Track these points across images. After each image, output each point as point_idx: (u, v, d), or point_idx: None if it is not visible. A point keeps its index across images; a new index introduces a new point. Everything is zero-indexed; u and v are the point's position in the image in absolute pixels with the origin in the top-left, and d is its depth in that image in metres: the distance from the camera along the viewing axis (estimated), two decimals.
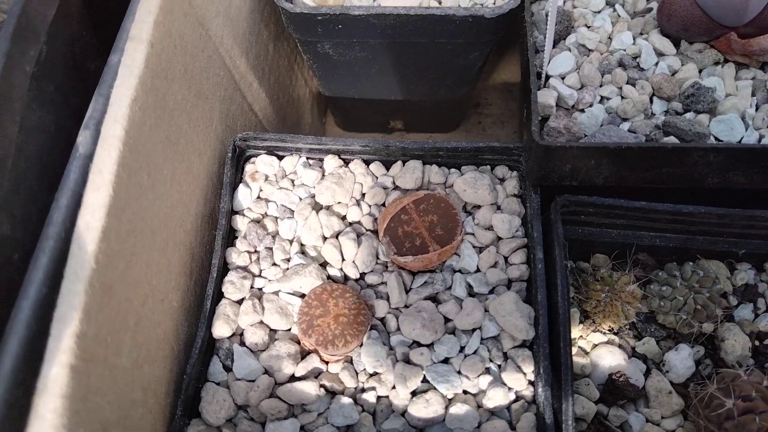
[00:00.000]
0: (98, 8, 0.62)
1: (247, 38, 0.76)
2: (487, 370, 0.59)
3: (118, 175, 0.49)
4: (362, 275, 0.65)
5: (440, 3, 0.77)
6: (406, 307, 0.63)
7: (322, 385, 0.58)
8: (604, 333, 0.66)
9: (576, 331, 0.66)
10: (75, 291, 0.44)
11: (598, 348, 0.65)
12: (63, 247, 0.48)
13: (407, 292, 0.64)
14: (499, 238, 0.67)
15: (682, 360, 0.64)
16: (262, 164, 0.70)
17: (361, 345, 0.60)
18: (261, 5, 0.80)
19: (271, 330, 0.62)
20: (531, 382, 0.58)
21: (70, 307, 0.43)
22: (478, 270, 0.65)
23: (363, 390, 0.59)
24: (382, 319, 0.63)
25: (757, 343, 0.66)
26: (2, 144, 0.42)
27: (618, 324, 0.66)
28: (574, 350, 0.65)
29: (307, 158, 0.71)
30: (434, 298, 0.64)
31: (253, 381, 0.59)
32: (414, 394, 0.58)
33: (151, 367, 0.53)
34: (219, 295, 0.63)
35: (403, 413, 0.57)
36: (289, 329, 0.63)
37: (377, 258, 0.66)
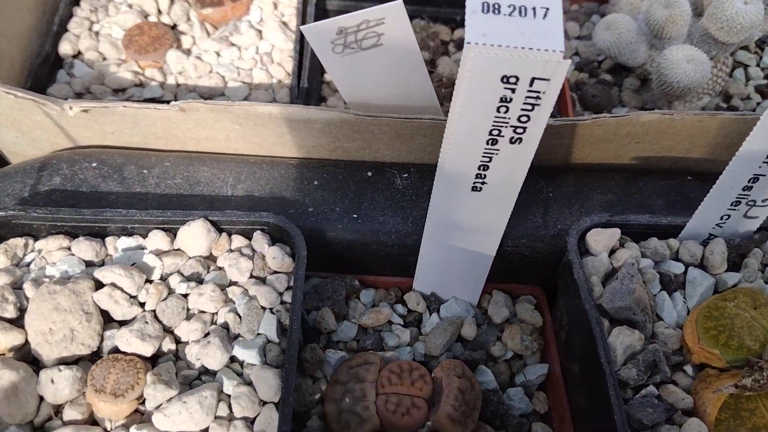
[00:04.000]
0: None
1: None
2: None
3: None
4: (174, 25, 0.89)
5: None
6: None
7: (138, 77, 0.82)
8: None
9: None
10: None
11: None
12: None
13: (209, 36, 0.89)
14: None
15: None
16: None
17: (165, 61, 0.84)
18: None
19: (104, 57, 0.85)
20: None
21: None
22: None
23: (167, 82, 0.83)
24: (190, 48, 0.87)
25: None
26: None
27: None
28: None
29: None
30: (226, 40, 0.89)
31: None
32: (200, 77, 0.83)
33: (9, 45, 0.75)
34: (65, 31, 0.86)
35: (194, 89, 0.82)
36: (119, 57, 0.86)
37: (188, 17, 0.90)
